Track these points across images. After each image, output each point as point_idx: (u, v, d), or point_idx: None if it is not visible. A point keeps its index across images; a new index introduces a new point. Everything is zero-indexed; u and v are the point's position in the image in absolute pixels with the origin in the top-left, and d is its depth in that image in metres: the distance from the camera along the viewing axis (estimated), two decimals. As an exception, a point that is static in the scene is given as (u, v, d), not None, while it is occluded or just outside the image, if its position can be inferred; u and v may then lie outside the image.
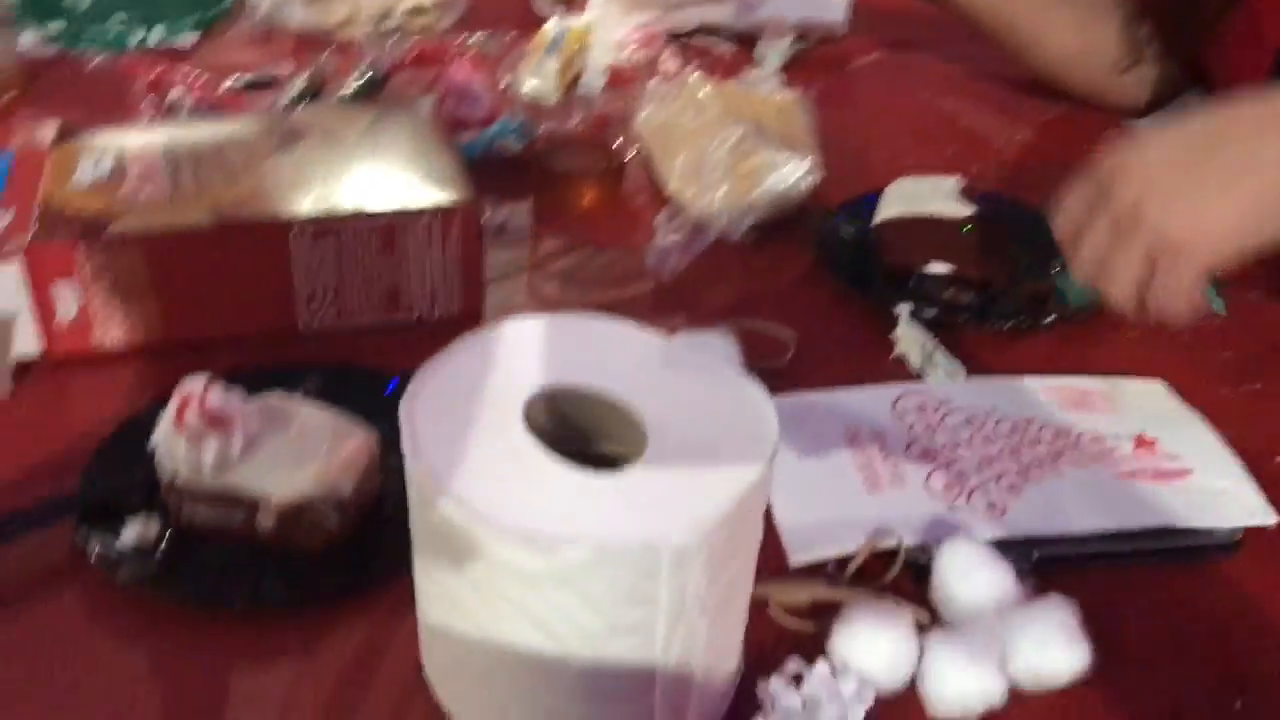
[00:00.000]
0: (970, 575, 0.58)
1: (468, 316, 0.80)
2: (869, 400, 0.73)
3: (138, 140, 0.83)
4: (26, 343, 0.74)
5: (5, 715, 0.54)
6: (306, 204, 0.76)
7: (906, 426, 0.71)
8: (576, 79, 1.15)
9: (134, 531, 0.61)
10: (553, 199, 0.95)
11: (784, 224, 0.92)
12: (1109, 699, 0.56)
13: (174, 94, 1.07)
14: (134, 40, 1.19)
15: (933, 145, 1.09)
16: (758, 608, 0.58)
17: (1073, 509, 0.64)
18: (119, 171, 0.78)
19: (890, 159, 1.04)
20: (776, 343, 0.79)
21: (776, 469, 0.65)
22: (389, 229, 0.76)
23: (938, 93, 1.20)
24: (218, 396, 0.60)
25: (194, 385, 0.60)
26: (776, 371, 0.77)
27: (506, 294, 0.84)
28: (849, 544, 0.61)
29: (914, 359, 0.77)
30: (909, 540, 0.61)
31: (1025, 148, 1.10)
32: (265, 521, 0.61)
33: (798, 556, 0.62)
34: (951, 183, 0.89)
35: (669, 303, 0.84)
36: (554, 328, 0.55)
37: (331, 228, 0.75)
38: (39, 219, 0.73)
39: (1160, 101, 1.11)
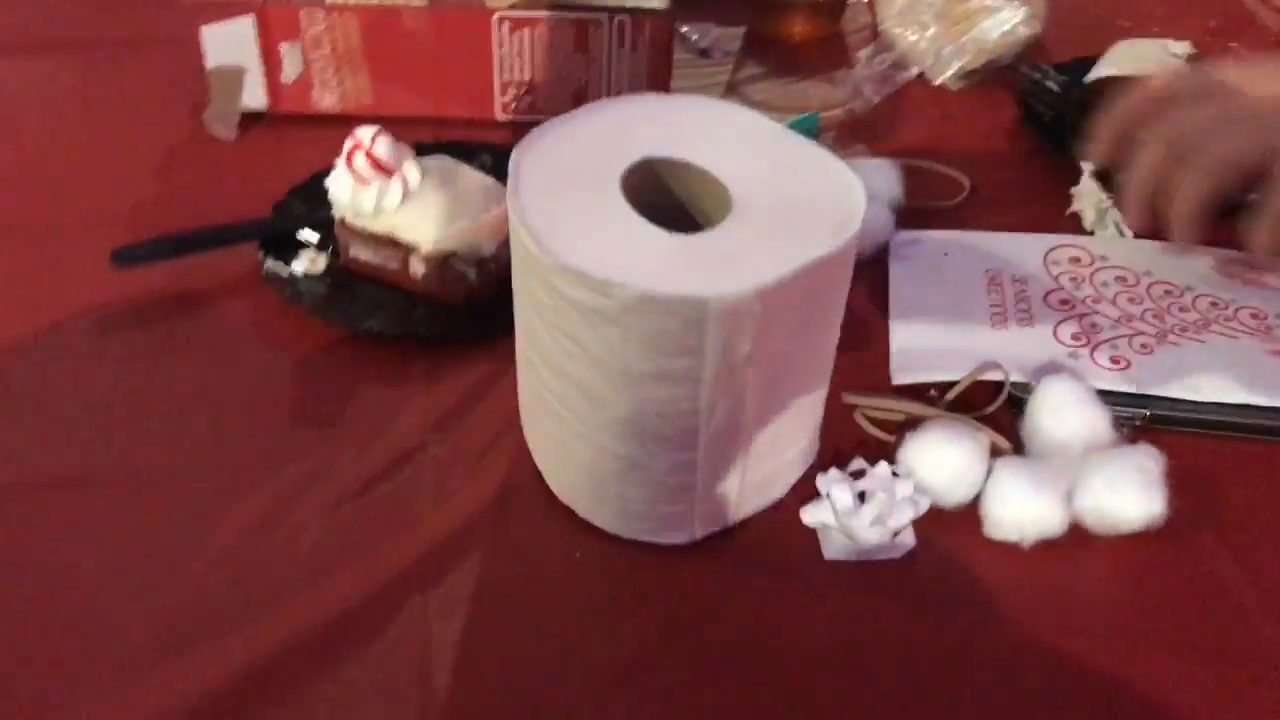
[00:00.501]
0: (1061, 411, 0.57)
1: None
2: (1022, 246, 0.71)
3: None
4: (255, 96, 0.82)
5: (171, 398, 0.63)
6: (510, -4, 0.80)
7: (1053, 276, 0.69)
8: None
9: (305, 261, 0.69)
10: (768, 26, 0.95)
11: (996, 74, 0.89)
12: (1175, 556, 0.54)
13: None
14: None
15: (1196, 15, 1.01)
16: (846, 415, 0.60)
17: (1204, 376, 0.61)
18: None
19: (1140, 25, 0.98)
20: (953, 184, 0.78)
21: (902, 296, 0.65)
22: (581, 26, 0.80)
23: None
24: (384, 146, 0.66)
25: (364, 133, 0.66)
26: (945, 212, 0.76)
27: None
28: (953, 372, 0.61)
29: (1088, 216, 0.74)
30: (1016, 377, 0.61)
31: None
32: (415, 267, 0.67)
33: (899, 377, 0.62)
34: (1182, 46, 0.83)
35: (855, 134, 0.84)
36: (665, 105, 0.57)
37: (528, 20, 0.79)
38: (277, -16, 0.81)
39: None
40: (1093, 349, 0.63)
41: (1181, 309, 0.66)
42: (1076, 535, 0.54)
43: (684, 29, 0.94)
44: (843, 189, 0.52)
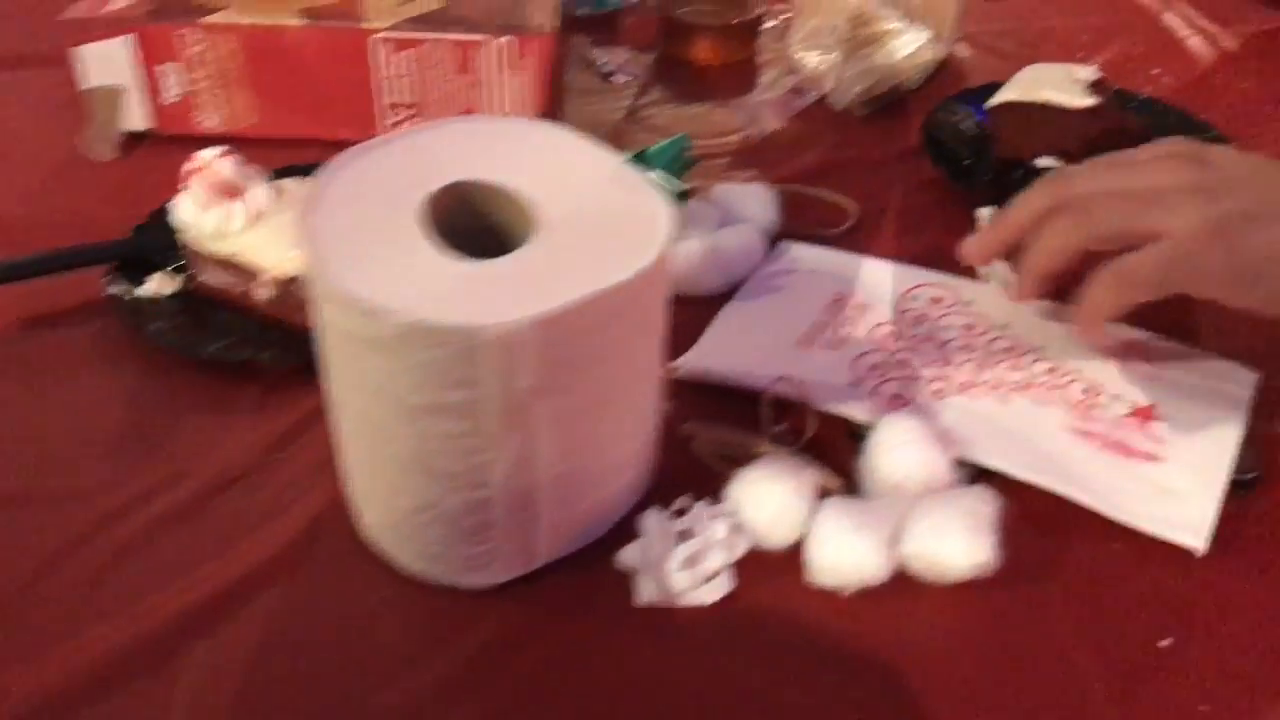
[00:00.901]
0: (896, 451, 0.54)
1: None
2: (888, 277, 0.69)
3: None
4: (137, 117, 0.81)
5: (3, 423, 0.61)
6: (394, 17, 0.78)
7: (900, 310, 0.66)
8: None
9: (155, 284, 0.67)
10: (679, 50, 0.94)
11: (902, 100, 0.87)
12: (1010, 608, 0.52)
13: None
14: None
15: (1120, 42, 0.98)
16: (682, 444, 0.58)
17: (982, 437, 0.57)
18: (245, -30, 0.83)
19: (1064, 50, 0.96)
20: (841, 212, 0.76)
21: (741, 298, 0.61)
22: (463, 47, 0.78)
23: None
24: (227, 168, 0.64)
25: (206, 155, 0.64)
26: (830, 240, 0.74)
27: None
28: (731, 374, 0.61)
29: None
30: (786, 390, 0.59)
31: (1225, 59, 0.98)
32: (261, 291, 0.65)
33: (680, 365, 0.62)
34: (1087, 72, 0.80)
35: (750, 160, 0.82)
36: (486, 127, 0.55)
37: (409, 42, 0.78)
38: (159, 3, 0.79)
39: None
40: (880, 383, 0.61)
41: (1011, 367, 0.62)
42: (904, 583, 0.52)
43: (592, 52, 0.93)
44: (652, 213, 0.50)
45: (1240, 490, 0.57)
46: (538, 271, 0.47)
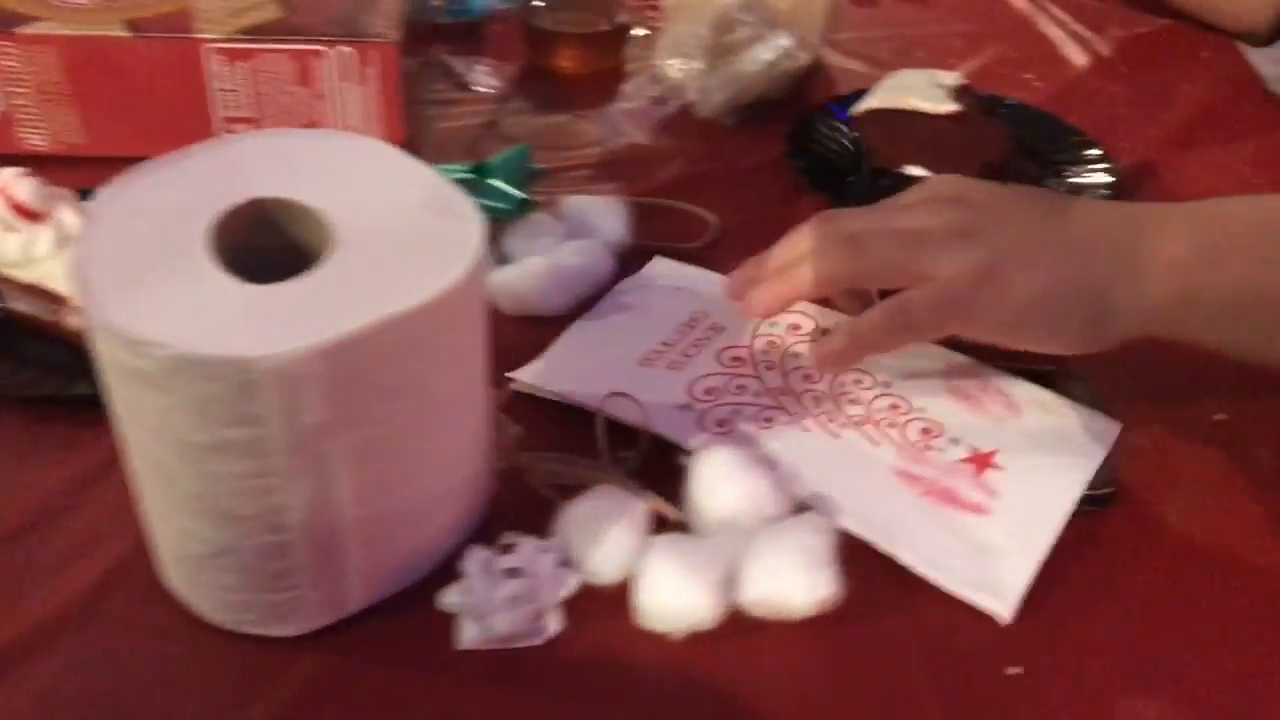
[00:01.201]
0: (717, 487, 0.51)
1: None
2: None
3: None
4: (-46, 137, 0.76)
5: None
6: (228, 28, 0.74)
7: (754, 333, 0.63)
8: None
9: (-43, 314, 0.62)
10: (543, 59, 0.90)
11: (771, 109, 0.84)
12: (847, 641, 0.49)
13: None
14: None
15: (993, 47, 0.97)
16: (519, 475, 0.54)
17: (804, 471, 0.54)
18: (73, -21, 0.79)
19: (936, 57, 0.94)
20: (702, 224, 0.73)
21: (583, 324, 0.59)
22: (302, 58, 0.74)
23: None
24: (28, 190, 0.60)
25: (6, 175, 0.60)
26: (691, 253, 0.71)
27: (449, 145, 0.81)
28: (564, 391, 0.58)
29: None
30: (615, 410, 0.55)
31: (1098, 64, 0.97)
32: (69, 319, 0.60)
33: (518, 378, 0.59)
34: (952, 77, 0.79)
35: (612, 171, 0.79)
36: (288, 141, 0.51)
37: (244, 53, 0.74)
38: (-28, 14, 0.74)
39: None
40: (711, 408, 0.58)
41: (853, 400, 0.58)
42: (742, 622, 0.49)
43: (451, 62, 0.89)
44: (463, 232, 0.47)
45: (1094, 506, 0.55)
46: (331, 295, 0.44)
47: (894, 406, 0.58)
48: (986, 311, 0.54)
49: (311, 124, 0.76)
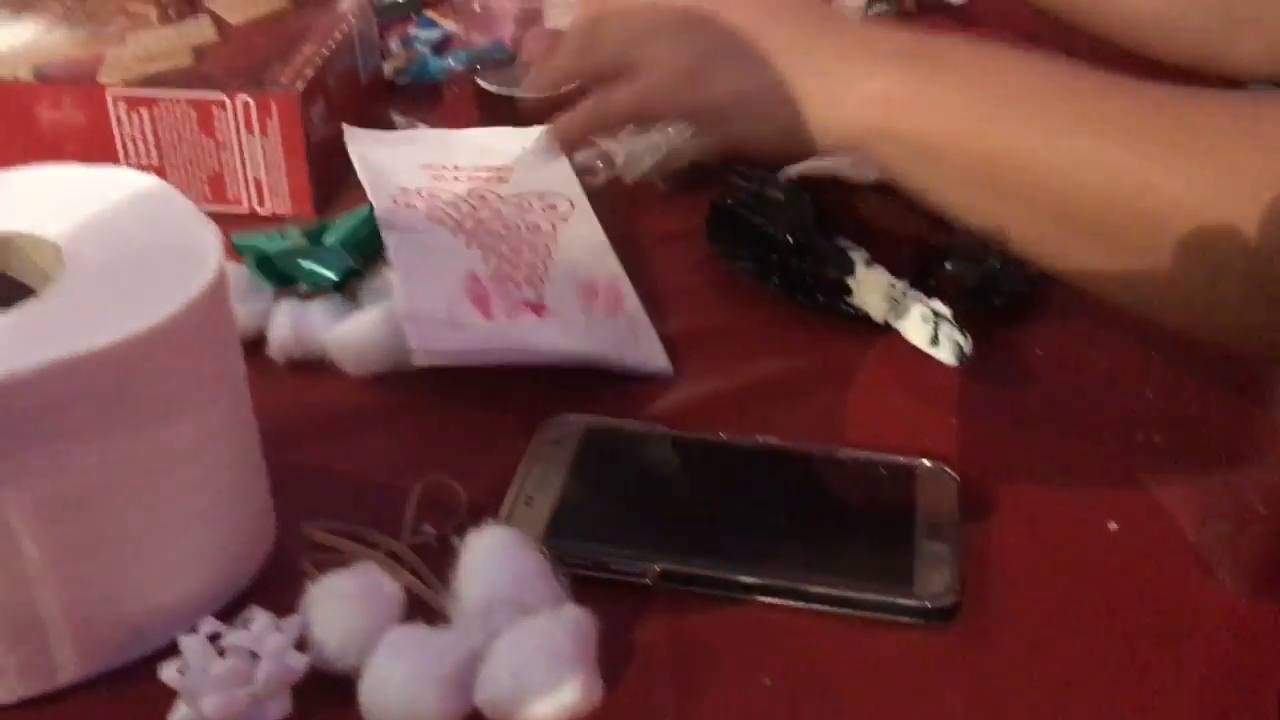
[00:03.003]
0: (480, 570, 0.45)
1: (302, 214, 0.75)
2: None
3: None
4: None
5: None
6: (132, 74, 0.73)
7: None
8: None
9: None
10: (489, 121, 0.88)
11: (706, 175, 0.80)
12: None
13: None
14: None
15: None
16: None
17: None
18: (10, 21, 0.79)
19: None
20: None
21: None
22: (204, 107, 0.72)
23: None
24: None
25: None
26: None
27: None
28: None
29: (876, 306, 0.64)
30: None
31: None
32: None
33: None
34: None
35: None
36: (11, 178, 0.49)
37: (144, 99, 0.72)
38: (-106, 56, 0.75)
39: None
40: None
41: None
42: (483, 723, 0.43)
43: (396, 120, 0.87)
44: (198, 247, 0.43)
45: (936, 619, 0.48)
46: (35, 329, 0.41)
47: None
48: (690, 107, 0.60)
49: (218, 175, 0.74)
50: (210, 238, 0.45)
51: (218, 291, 0.43)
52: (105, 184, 0.48)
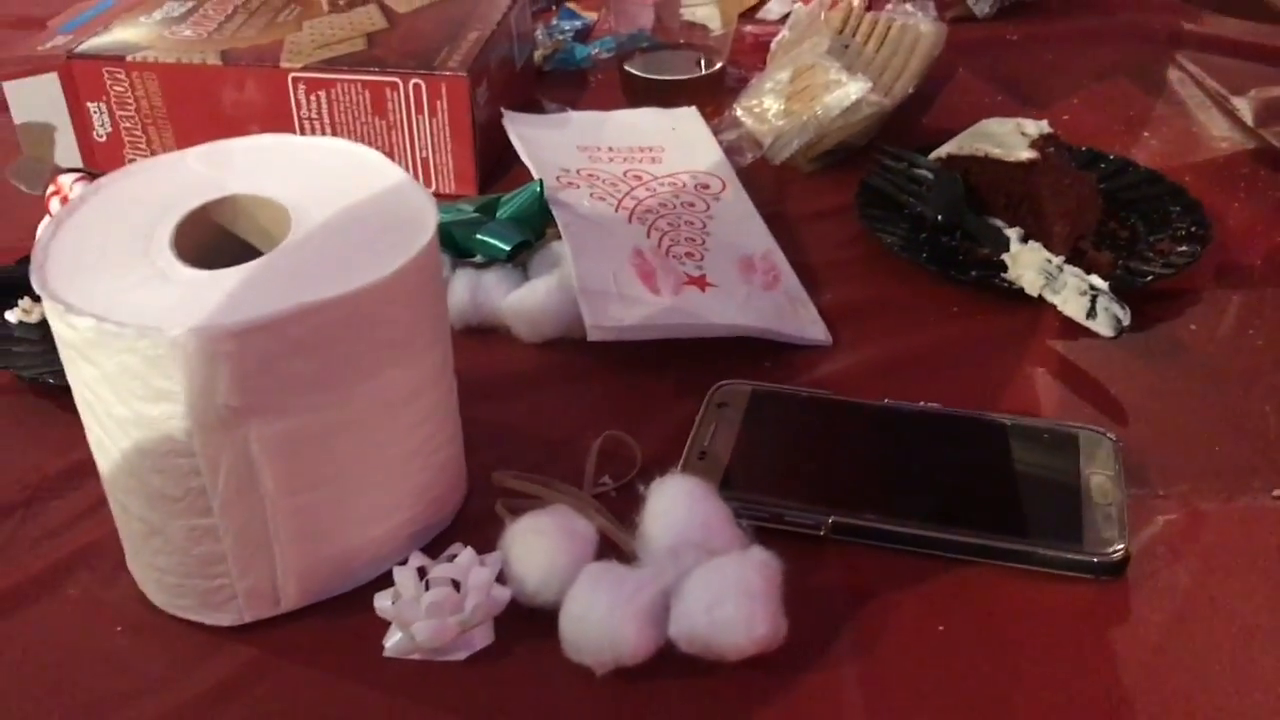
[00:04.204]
0: (669, 513, 0.48)
1: (465, 192, 0.79)
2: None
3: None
4: (70, 154, 0.82)
5: None
6: (311, 58, 0.77)
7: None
8: (759, 6, 1.09)
9: (17, 312, 0.66)
10: (638, 106, 0.91)
11: (850, 155, 0.82)
12: (796, 689, 0.45)
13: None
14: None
15: (1117, 102, 0.91)
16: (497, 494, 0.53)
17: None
18: (191, 13, 0.84)
19: (1043, 108, 0.89)
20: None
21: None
22: (377, 89, 0.76)
23: (1150, 58, 1.00)
24: (80, 193, 0.63)
25: (65, 179, 0.64)
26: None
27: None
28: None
29: (1033, 281, 0.65)
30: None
31: (1231, 127, 0.89)
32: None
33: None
34: (1036, 126, 0.74)
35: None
36: (255, 146, 0.53)
37: (322, 83, 0.77)
38: (88, 44, 0.80)
39: None
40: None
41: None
42: (674, 661, 0.46)
43: (548, 105, 0.90)
44: (415, 228, 0.47)
45: (1106, 573, 0.49)
46: (270, 281, 0.44)
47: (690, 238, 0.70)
48: None
49: (387, 153, 0.78)
50: (426, 201, 0.48)
51: (433, 251, 0.47)
52: (325, 153, 0.52)
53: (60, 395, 0.61)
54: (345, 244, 0.46)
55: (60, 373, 0.60)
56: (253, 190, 0.50)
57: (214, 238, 0.49)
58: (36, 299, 0.67)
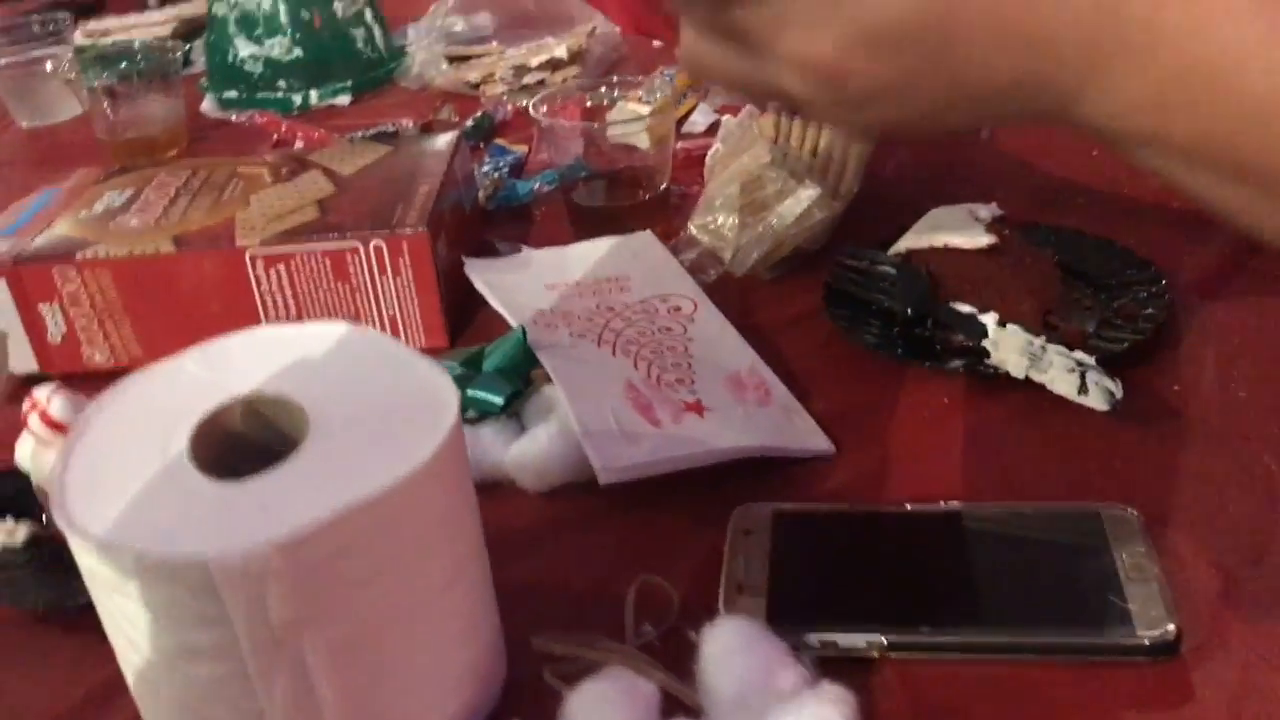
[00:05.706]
0: (728, 660, 0.47)
1: (436, 345, 0.79)
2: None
3: (174, 174, 0.88)
4: (24, 359, 0.80)
5: None
6: (266, 232, 0.77)
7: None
8: (683, 121, 1.11)
9: (1, 535, 0.64)
10: (587, 236, 0.91)
11: (807, 259, 0.83)
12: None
13: (296, 147, 1.14)
14: (297, 102, 1.29)
15: (1045, 172, 0.95)
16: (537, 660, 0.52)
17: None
18: (132, 201, 0.83)
19: (976, 191, 0.92)
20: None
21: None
22: (337, 256, 0.76)
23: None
24: (59, 405, 0.61)
25: (40, 393, 0.62)
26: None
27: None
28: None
29: (1016, 363, 0.66)
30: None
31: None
32: (104, 531, 0.61)
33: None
34: (988, 210, 0.77)
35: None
36: (255, 339, 0.52)
37: (281, 255, 0.76)
38: (34, 245, 0.79)
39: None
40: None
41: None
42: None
43: (498, 245, 0.91)
44: (436, 410, 0.46)
45: (1161, 654, 0.49)
46: (299, 487, 0.43)
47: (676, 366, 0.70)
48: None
49: (353, 318, 0.78)
50: (444, 382, 0.48)
51: (458, 428, 0.46)
52: (322, 339, 0.51)
53: (63, 616, 0.58)
54: (368, 435, 0.46)
55: (66, 595, 0.59)
56: (257, 388, 0.49)
57: (229, 441, 0.48)
58: (19, 517, 0.65)
